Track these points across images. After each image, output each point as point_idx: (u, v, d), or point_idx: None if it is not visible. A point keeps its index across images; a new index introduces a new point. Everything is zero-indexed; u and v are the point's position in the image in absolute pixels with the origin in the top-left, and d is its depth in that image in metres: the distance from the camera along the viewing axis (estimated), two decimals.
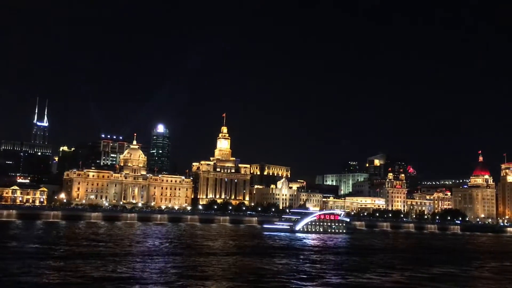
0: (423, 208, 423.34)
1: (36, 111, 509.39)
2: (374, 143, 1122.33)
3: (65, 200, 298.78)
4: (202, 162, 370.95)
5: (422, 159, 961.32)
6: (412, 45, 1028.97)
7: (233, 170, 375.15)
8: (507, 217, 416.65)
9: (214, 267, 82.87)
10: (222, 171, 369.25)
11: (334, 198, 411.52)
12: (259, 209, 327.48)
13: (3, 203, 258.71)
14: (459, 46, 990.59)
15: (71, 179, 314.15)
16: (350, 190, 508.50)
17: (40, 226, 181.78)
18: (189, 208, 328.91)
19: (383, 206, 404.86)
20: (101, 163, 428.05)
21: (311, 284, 69.81)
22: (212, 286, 65.44)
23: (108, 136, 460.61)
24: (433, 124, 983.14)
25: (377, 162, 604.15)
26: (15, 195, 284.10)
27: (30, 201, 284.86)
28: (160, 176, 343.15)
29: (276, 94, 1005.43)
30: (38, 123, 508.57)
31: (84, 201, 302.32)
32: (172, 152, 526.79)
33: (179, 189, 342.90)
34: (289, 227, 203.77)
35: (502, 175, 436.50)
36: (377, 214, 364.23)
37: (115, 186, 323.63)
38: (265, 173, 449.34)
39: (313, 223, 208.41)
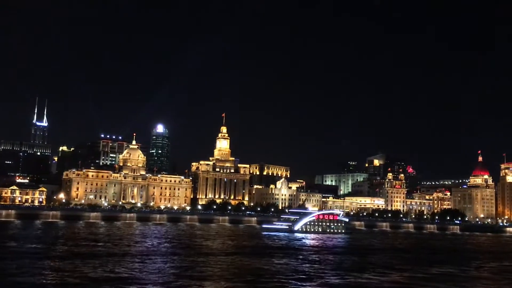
0: (423, 208, 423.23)
1: (36, 111, 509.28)
2: (373, 143, 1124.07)
3: (64, 200, 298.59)
4: (202, 162, 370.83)
5: (422, 159, 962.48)
6: (412, 45, 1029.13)
7: (232, 170, 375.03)
8: (506, 217, 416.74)
9: (213, 267, 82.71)
10: (221, 171, 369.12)
11: (333, 198, 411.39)
12: (259, 209, 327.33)
13: (2, 203, 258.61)
14: (459, 46, 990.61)
15: (70, 179, 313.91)
16: (350, 190, 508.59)
17: (39, 226, 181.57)
18: (188, 208, 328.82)
19: (382, 206, 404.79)
20: (101, 163, 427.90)
21: (310, 284, 69.64)
22: (210, 286, 65.26)
23: (108, 136, 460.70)
24: (433, 124, 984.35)
25: (376, 162, 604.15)
26: (14, 195, 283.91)
27: (29, 201, 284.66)
28: (159, 176, 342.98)
29: (276, 94, 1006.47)
30: (38, 123, 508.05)
31: (83, 201, 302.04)
32: (172, 152, 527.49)
33: (178, 189, 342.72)
34: (288, 227, 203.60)
35: (501, 175, 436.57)
36: (377, 214, 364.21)
37: (114, 186, 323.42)
38: (265, 173, 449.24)
39: (312, 223, 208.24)
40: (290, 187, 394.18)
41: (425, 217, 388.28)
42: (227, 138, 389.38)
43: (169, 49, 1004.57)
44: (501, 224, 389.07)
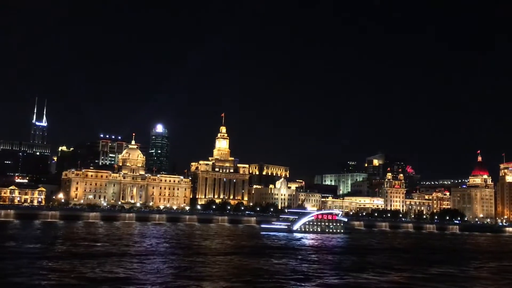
0: (422, 208, 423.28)
1: (35, 111, 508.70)
2: (373, 143, 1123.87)
3: (63, 200, 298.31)
4: (201, 162, 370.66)
5: (422, 159, 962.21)
6: (412, 45, 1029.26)
7: (231, 170, 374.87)
8: (505, 217, 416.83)
9: (212, 267, 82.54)
10: (220, 171, 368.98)
11: (332, 198, 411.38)
12: (258, 209, 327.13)
13: (1, 203, 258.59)
14: (459, 46, 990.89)
15: (70, 179, 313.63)
16: (349, 190, 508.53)
17: (38, 226, 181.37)
18: (187, 208, 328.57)
19: (381, 206, 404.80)
20: (100, 163, 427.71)
21: (308, 285, 69.47)
22: (209, 286, 65.07)
23: (107, 136, 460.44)
24: (433, 124, 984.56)
25: (376, 162, 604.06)
26: (13, 195, 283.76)
27: (28, 201, 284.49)
28: (158, 176, 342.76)
29: (276, 94, 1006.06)
30: (37, 123, 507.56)
31: (82, 201, 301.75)
32: (171, 152, 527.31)
33: (178, 189, 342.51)
34: (286, 227, 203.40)
35: (501, 175, 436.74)
36: (376, 214, 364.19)
37: (114, 186, 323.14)
38: (264, 173, 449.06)
39: (311, 223, 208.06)
40: (289, 187, 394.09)
41: (424, 217, 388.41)
42: (227, 138, 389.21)
43: (169, 49, 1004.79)
44: (500, 224, 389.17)
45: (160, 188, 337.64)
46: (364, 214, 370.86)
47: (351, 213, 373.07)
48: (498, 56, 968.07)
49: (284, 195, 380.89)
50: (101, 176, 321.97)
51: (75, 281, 64.05)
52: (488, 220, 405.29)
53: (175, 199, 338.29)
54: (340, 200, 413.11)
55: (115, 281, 64.86)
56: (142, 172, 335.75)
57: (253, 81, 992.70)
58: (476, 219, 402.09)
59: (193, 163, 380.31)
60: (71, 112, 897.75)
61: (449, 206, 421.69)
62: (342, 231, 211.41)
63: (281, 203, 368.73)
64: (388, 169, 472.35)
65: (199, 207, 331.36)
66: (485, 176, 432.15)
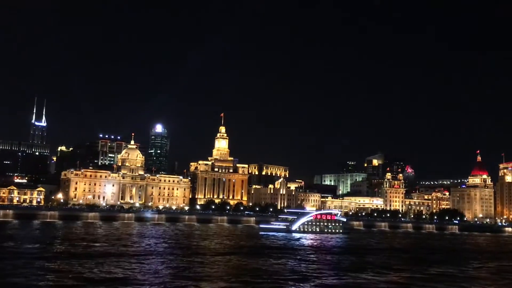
0: (421, 208, 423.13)
1: (35, 111, 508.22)
2: (373, 143, 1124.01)
3: (62, 200, 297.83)
4: (200, 162, 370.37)
5: (421, 159, 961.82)
6: (412, 45, 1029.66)
7: (231, 170, 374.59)
8: (505, 216, 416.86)
9: (210, 267, 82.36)
10: (220, 171, 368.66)
11: (332, 198, 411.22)
12: (257, 209, 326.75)
13: (0, 203, 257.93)
14: (459, 46, 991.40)
15: (69, 179, 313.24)
16: (349, 190, 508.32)
17: (36, 226, 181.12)
18: (186, 208, 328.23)
19: (381, 206, 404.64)
20: (99, 163, 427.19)
21: (307, 285, 69.28)
22: (207, 286, 64.87)
23: (106, 136, 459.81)
24: (433, 124, 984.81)
25: (375, 162, 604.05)
26: (12, 195, 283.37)
27: (27, 201, 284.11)
28: (158, 176, 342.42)
29: (276, 94, 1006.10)
30: (36, 123, 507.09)
31: (81, 201, 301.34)
32: (171, 152, 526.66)
33: (177, 189, 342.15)
34: (285, 227, 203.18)
35: (500, 175, 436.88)
36: (375, 214, 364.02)
37: (113, 186, 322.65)
38: (263, 173, 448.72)
39: (310, 223, 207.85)
40: (289, 187, 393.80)
41: (423, 217, 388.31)
42: (226, 138, 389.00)
43: (169, 49, 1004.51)
44: (499, 224, 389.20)
45: (159, 188, 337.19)
46: (363, 214, 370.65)
47: (351, 213, 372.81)
48: (498, 56, 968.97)
49: (284, 195, 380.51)
50: (100, 176, 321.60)
51: (73, 281, 63.79)
52: (488, 220, 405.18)
53: (174, 199, 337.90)
54: (340, 200, 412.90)
55: (113, 282, 64.66)
56: (141, 172, 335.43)
57: (253, 81, 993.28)
58: (476, 219, 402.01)
59: (192, 163, 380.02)
60: (71, 112, 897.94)
61: (449, 206, 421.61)
62: (341, 231, 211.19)
63: (281, 203, 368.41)
64: (388, 169, 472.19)
65: (198, 207, 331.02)
66: (485, 176, 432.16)
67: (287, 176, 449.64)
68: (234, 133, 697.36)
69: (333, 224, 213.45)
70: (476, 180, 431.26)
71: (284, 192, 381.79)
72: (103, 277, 67.81)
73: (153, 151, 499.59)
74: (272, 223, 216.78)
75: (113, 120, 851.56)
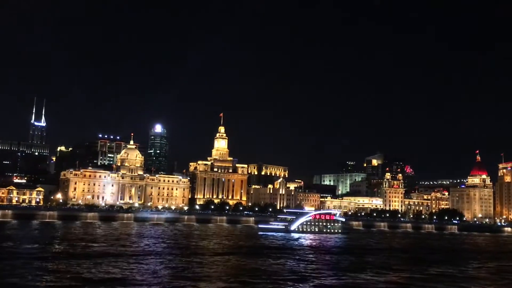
0: (421, 208, 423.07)
1: (34, 111, 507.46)
2: (373, 143, 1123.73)
3: (61, 200, 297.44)
4: (199, 162, 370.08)
5: (421, 159, 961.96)
6: (412, 45, 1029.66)
7: (230, 170, 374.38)
8: (504, 216, 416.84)
9: (209, 267, 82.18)
10: (219, 171, 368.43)
11: (331, 198, 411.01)
12: (257, 209, 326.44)
13: None
14: (459, 46, 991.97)
15: (68, 179, 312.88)
16: (348, 190, 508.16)
17: (35, 227, 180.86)
18: (186, 208, 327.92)
19: (380, 206, 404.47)
20: (99, 163, 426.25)
21: (306, 285, 69.13)
22: (206, 287, 64.71)
23: (106, 136, 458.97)
24: (432, 124, 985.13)
25: (375, 162, 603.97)
26: (11, 195, 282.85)
27: (26, 201, 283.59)
28: (157, 176, 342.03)
29: (275, 94, 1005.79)
30: (36, 123, 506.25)
31: (80, 201, 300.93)
32: (170, 152, 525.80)
33: (176, 189, 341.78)
34: (284, 227, 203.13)
35: (499, 175, 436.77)
36: (375, 214, 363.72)
37: (112, 186, 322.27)
38: (263, 173, 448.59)
39: (308, 223, 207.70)
40: (288, 187, 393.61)
41: (423, 217, 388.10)
42: (225, 138, 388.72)
43: (169, 49, 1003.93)
44: (499, 224, 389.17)
45: (159, 188, 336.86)
46: (363, 214, 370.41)
47: (350, 213, 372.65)
48: (498, 56, 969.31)
49: (283, 195, 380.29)
50: (100, 176, 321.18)
51: (71, 282, 63.63)
52: (487, 220, 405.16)
53: (174, 199, 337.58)
54: (339, 200, 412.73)
55: (112, 282, 64.53)
56: (140, 172, 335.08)
57: (253, 81, 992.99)
58: (475, 219, 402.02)
59: (191, 163, 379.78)
60: (70, 112, 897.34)
61: (448, 206, 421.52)
62: (339, 231, 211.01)
63: (280, 203, 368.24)
64: (387, 169, 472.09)
65: (197, 207, 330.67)
66: (484, 176, 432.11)
67: (287, 176, 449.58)
68: (234, 133, 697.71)
69: (332, 224, 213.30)
70: (476, 180, 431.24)
71: (283, 192, 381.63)
72: (102, 277, 67.65)
73: (152, 151, 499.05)
74: (271, 223, 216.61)
75: (113, 120, 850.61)
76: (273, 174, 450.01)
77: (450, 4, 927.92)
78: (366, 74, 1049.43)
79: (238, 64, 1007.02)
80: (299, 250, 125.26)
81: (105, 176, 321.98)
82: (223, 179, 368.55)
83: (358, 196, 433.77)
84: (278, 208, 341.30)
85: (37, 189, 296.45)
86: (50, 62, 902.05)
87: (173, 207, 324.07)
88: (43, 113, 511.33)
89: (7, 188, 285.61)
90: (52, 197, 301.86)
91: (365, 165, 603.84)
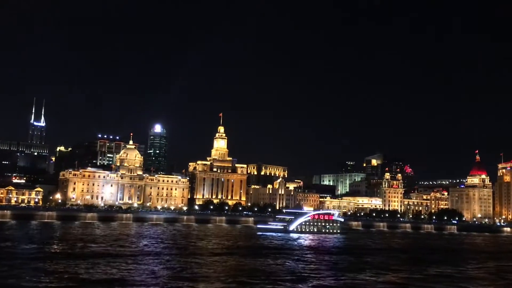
0: (420, 208, 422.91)
1: (33, 111, 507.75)
2: (373, 143, 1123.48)
3: (60, 200, 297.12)
4: (199, 162, 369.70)
5: (420, 158, 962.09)
6: (412, 45, 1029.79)
7: (230, 170, 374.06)
8: (503, 216, 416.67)
9: (207, 268, 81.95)
10: (218, 171, 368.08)
11: (331, 198, 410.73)
12: (256, 209, 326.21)
13: None
14: (458, 46, 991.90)
15: (67, 179, 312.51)
16: (347, 190, 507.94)
17: (34, 227, 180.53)
18: (185, 208, 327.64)
19: (379, 206, 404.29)
20: (98, 163, 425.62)
21: (305, 285, 68.94)
22: (204, 287, 64.50)
23: (105, 136, 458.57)
24: (432, 124, 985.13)
25: (374, 162, 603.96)
26: (10, 196, 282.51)
27: (26, 201, 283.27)
28: (156, 176, 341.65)
29: (275, 94, 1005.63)
30: (35, 123, 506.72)
31: (79, 201, 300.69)
32: (169, 152, 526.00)
33: (176, 189, 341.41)
34: (283, 227, 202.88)
35: (499, 174, 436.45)
36: (374, 214, 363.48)
37: (111, 186, 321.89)
38: (262, 173, 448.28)
39: (307, 223, 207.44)
40: (287, 187, 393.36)
41: (422, 217, 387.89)
42: (225, 138, 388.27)
43: (168, 49, 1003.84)
44: (498, 224, 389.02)
45: (158, 188, 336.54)
46: (362, 214, 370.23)
47: (349, 213, 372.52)
48: (498, 56, 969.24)
49: (282, 195, 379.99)
50: (99, 176, 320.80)
51: (69, 282, 63.39)
52: (486, 220, 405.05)
53: (173, 200, 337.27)
54: (338, 200, 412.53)
55: (110, 282, 64.33)
56: (139, 172, 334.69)
57: (253, 81, 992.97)
58: (474, 219, 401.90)
59: (191, 163, 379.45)
60: (70, 112, 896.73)
61: (447, 206, 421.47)
62: (338, 231, 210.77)
63: (279, 203, 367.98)
64: (387, 169, 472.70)
65: (196, 207, 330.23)
66: (483, 176, 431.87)
67: (286, 176, 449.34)
68: (233, 133, 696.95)
69: (331, 224, 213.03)
70: (475, 180, 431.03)
71: (283, 192, 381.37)
72: (100, 277, 67.41)
73: (151, 151, 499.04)
74: (269, 223, 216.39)
75: (112, 120, 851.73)
76: (272, 174, 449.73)
77: (450, 4, 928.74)
78: (366, 74, 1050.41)
79: (238, 64, 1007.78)
80: (298, 250, 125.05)
81: (104, 176, 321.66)
82: (223, 179, 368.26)
83: (358, 196, 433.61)
84: (278, 208, 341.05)
85: (36, 189, 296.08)
86: (50, 62, 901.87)
87: (172, 207, 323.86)
88: (43, 113, 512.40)
89: (6, 188, 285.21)
90: (51, 197, 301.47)
91: (364, 165, 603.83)
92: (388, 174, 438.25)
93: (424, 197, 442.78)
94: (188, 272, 75.63)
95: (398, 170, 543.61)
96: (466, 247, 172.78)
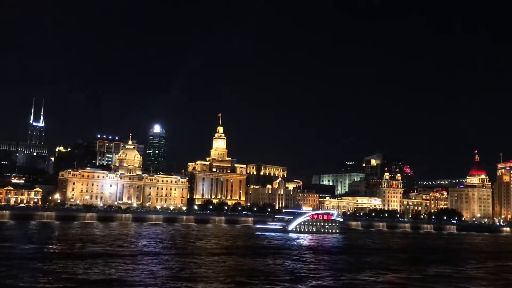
0: (419, 208, 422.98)
1: (33, 111, 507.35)
2: (373, 143, 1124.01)
3: (59, 201, 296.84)
4: (198, 162, 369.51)
5: (419, 159, 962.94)
6: (412, 45, 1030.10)
7: (229, 170, 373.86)
8: (503, 216, 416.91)
9: (206, 268, 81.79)
10: (218, 171, 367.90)
11: (330, 198, 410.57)
12: (255, 209, 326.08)
13: None
14: (459, 46, 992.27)
15: (66, 179, 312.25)
16: (347, 190, 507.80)
17: (33, 227, 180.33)
18: (184, 208, 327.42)
19: (379, 206, 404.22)
20: (97, 163, 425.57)
21: (303, 286, 68.80)
22: (203, 287, 64.34)
23: (104, 136, 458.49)
24: (432, 124, 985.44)
25: (373, 162, 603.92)
26: (9, 196, 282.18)
27: (25, 201, 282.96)
28: (155, 176, 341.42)
29: (275, 94, 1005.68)
30: (34, 123, 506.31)
31: (79, 202, 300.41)
32: (169, 152, 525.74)
33: (175, 189, 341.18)
34: (281, 227, 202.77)
35: (498, 174, 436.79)
36: (373, 214, 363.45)
37: (110, 186, 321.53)
38: (262, 173, 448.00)
39: (306, 223, 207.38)
40: (287, 187, 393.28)
41: (421, 217, 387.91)
42: (224, 138, 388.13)
43: (168, 49, 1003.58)
44: (497, 223, 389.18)
45: (157, 188, 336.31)
46: (361, 214, 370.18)
47: (349, 213, 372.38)
48: (498, 56, 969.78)
49: (282, 195, 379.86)
50: (98, 177, 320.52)
51: (66, 282, 63.20)
52: (486, 220, 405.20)
53: (172, 200, 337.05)
54: (338, 200, 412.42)
55: (108, 282, 64.16)
56: (139, 173, 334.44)
57: (252, 81, 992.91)
58: (474, 219, 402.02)
59: (190, 163, 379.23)
60: (69, 112, 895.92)
61: (447, 206, 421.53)
62: (337, 231, 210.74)
63: (279, 203, 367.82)
64: (386, 169, 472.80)
65: (196, 207, 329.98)
66: (483, 176, 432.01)
67: (285, 176, 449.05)
68: (233, 133, 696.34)
69: (330, 224, 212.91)
70: (474, 180, 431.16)
71: (282, 192, 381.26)
72: (98, 278, 67.25)
73: (151, 151, 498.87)
74: (268, 223, 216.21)
75: (111, 120, 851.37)
76: (272, 174, 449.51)
77: (450, 4, 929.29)
78: (366, 74, 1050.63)
79: (238, 64, 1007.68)
80: (297, 250, 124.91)
81: (103, 176, 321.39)
82: (222, 179, 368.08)
83: (357, 196, 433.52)
84: (277, 208, 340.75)
85: (35, 189, 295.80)
86: (50, 62, 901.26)
87: (171, 207, 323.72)
88: (42, 113, 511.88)
89: (5, 188, 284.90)
90: (50, 198, 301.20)
91: (364, 165, 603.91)
92: (388, 174, 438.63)
93: (424, 197, 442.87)
94: (187, 272, 75.50)
95: (398, 170, 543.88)
96: (465, 247, 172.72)
